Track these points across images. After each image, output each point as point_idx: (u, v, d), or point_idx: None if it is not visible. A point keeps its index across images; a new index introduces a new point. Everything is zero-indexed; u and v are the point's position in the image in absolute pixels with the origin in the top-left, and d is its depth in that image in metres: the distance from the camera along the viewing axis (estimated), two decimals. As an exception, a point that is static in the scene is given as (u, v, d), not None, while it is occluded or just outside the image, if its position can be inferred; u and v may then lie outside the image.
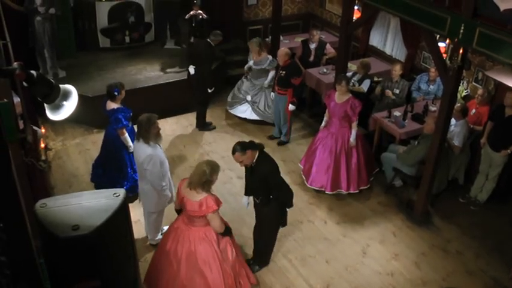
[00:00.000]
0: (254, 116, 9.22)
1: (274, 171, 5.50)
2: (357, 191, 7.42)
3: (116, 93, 6.51)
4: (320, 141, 7.42)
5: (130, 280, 3.15)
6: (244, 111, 9.26)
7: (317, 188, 7.42)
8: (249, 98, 9.18)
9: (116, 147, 6.79)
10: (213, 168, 4.97)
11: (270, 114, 9.07)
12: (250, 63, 8.98)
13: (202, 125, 9.10)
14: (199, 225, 5.11)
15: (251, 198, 5.96)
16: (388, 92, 8.32)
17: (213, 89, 8.74)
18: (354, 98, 7.07)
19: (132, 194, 6.62)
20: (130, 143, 6.64)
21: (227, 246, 5.29)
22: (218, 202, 5.03)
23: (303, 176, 7.60)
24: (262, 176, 5.41)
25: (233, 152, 5.33)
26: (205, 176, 4.89)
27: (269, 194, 5.53)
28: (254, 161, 5.39)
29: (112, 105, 6.57)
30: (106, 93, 6.62)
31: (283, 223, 5.90)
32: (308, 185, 7.45)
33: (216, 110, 9.67)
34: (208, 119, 9.20)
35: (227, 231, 5.27)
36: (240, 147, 5.27)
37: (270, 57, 8.77)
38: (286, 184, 5.82)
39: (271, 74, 8.79)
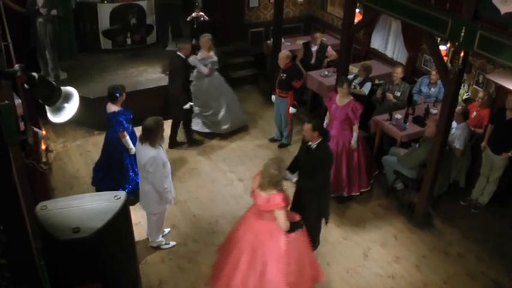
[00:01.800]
0: (205, 129, 8.76)
1: (329, 161, 5.93)
2: (358, 194, 7.42)
3: (117, 95, 6.51)
4: None
5: (131, 282, 3.15)
6: (197, 124, 8.74)
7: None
8: (196, 109, 8.55)
9: (117, 150, 6.78)
10: (280, 166, 5.20)
11: (224, 121, 8.60)
12: (197, 57, 8.33)
13: (173, 142, 8.52)
14: (267, 220, 5.22)
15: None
16: (389, 95, 8.32)
17: (188, 105, 8.02)
18: (355, 101, 7.06)
19: (134, 197, 6.61)
20: (132, 146, 6.64)
21: (295, 241, 5.36)
22: (286, 200, 5.20)
23: None
24: (318, 159, 5.73)
25: (308, 121, 5.80)
26: (276, 177, 5.10)
27: (311, 179, 5.76)
28: (315, 144, 5.77)
29: (113, 108, 6.56)
30: (107, 95, 6.61)
31: (326, 219, 6.18)
32: None
33: (217, 112, 9.68)
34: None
35: (295, 227, 5.33)
36: (314, 125, 5.74)
37: (216, 58, 8.39)
38: (329, 182, 6.12)
39: (206, 67, 8.25)
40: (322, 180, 5.78)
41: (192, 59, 8.12)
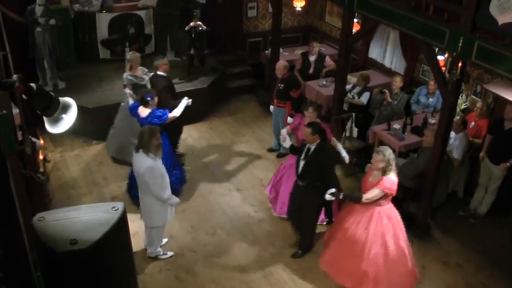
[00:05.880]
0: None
1: (332, 160, 6.22)
2: None
3: (149, 99, 6.60)
4: (286, 169, 6.99)
5: (129, 294, 3.12)
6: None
7: (284, 216, 6.95)
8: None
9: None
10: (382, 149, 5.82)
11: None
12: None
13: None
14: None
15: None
16: (387, 96, 8.24)
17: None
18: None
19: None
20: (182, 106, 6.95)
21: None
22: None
23: (269, 204, 7.25)
24: (319, 158, 5.93)
25: (308, 126, 5.96)
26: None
27: (317, 179, 5.97)
28: (315, 145, 5.94)
29: (147, 111, 6.64)
30: (140, 99, 6.73)
31: (330, 219, 6.57)
32: (275, 214, 7.10)
33: (215, 122, 9.68)
34: (208, 131, 9.19)
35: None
36: (314, 129, 5.91)
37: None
38: (336, 178, 6.48)
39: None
40: (330, 177, 6.06)
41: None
